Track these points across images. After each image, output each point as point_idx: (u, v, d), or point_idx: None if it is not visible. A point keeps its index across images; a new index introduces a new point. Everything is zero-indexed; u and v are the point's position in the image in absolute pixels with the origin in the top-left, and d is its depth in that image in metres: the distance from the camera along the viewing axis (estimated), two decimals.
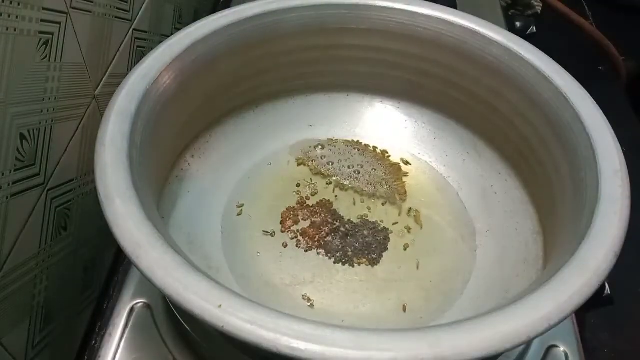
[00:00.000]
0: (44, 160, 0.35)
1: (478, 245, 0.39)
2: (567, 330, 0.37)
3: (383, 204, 0.42)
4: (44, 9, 0.32)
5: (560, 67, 0.37)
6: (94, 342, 0.37)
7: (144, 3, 0.47)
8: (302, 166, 0.44)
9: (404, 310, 0.36)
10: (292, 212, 0.41)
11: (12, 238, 0.32)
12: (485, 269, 0.38)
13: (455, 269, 0.38)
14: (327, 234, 0.39)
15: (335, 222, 0.40)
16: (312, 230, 0.40)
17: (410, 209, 0.42)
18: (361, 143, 0.46)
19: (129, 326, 0.36)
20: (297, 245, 0.39)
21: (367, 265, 0.38)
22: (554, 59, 0.37)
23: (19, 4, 0.30)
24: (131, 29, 0.45)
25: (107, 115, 0.31)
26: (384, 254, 0.39)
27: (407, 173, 0.44)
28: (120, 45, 0.44)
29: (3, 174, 0.30)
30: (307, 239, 0.39)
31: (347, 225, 0.40)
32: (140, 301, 0.38)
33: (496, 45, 0.39)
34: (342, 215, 0.41)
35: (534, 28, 0.65)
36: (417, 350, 0.22)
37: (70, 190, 0.39)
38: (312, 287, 0.37)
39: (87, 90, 0.39)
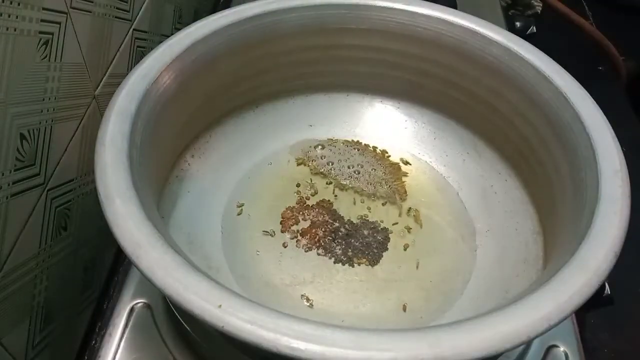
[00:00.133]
0: (44, 160, 0.35)
1: (478, 245, 0.39)
2: (567, 330, 0.37)
3: (383, 204, 0.42)
4: (44, 9, 0.32)
5: (560, 67, 0.37)
6: (94, 342, 0.37)
7: (144, 3, 0.47)
8: (302, 166, 0.44)
9: (404, 310, 0.36)
10: (292, 212, 0.41)
11: (12, 238, 0.32)
12: (485, 269, 0.38)
13: (455, 269, 0.38)
14: (327, 234, 0.39)
15: (335, 222, 0.40)
16: (312, 230, 0.40)
17: (410, 208, 0.42)
18: (361, 143, 0.46)
19: (129, 326, 0.36)
20: (297, 245, 0.39)
21: (367, 265, 0.38)
22: (554, 59, 0.37)
23: (19, 4, 0.30)
24: (131, 29, 0.45)
25: (107, 115, 0.31)
26: (384, 254, 0.39)
27: (407, 173, 0.44)
28: (120, 45, 0.44)
29: (3, 174, 0.30)
30: (307, 239, 0.39)
31: (347, 225, 0.40)
32: (140, 301, 0.38)
33: (496, 45, 0.39)
34: (342, 215, 0.41)
35: (534, 28, 0.65)
36: (417, 350, 0.22)
37: (70, 190, 0.39)
38: (312, 287, 0.37)
39: (87, 90, 0.39)
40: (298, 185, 0.43)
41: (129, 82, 0.33)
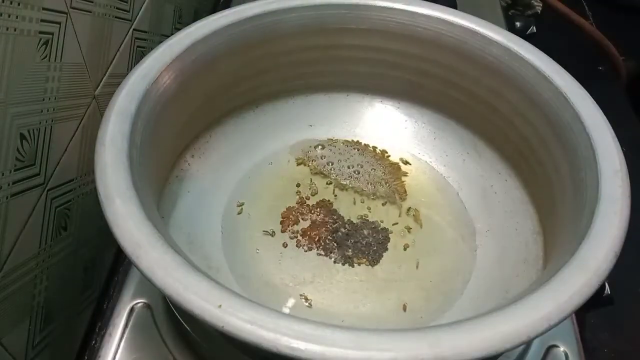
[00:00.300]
0: (44, 160, 0.35)
1: (478, 245, 0.39)
2: (567, 330, 0.37)
3: (383, 204, 0.42)
4: (44, 9, 0.32)
5: (560, 67, 0.37)
6: (94, 342, 0.37)
7: (144, 3, 0.47)
8: (302, 166, 0.44)
9: (404, 310, 0.36)
10: (292, 212, 0.41)
11: (12, 238, 0.32)
12: (485, 269, 0.38)
13: (455, 269, 0.38)
14: (327, 234, 0.39)
15: (335, 222, 0.40)
16: (312, 230, 0.40)
17: (410, 208, 0.42)
18: (361, 143, 0.46)
19: (129, 326, 0.36)
20: (297, 245, 0.39)
21: (367, 265, 0.38)
22: (554, 59, 0.37)
23: (19, 4, 0.30)
24: (131, 29, 0.45)
25: (107, 115, 0.31)
26: (384, 254, 0.39)
27: (407, 173, 0.44)
28: (120, 45, 0.44)
29: (3, 174, 0.30)
30: (307, 239, 0.39)
31: (347, 225, 0.40)
32: (140, 301, 0.38)
33: (496, 45, 0.39)
34: (342, 215, 0.41)
35: (534, 28, 0.65)
36: (417, 350, 0.22)
37: (70, 190, 0.39)
38: (312, 287, 0.37)
39: (87, 90, 0.39)
40: (298, 185, 0.43)
41: (129, 82, 0.33)
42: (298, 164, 0.44)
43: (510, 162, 0.42)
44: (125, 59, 0.45)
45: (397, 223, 0.41)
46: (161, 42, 0.36)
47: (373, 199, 0.42)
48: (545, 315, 0.24)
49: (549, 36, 0.67)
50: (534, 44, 0.38)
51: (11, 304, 0.33)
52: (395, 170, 0.44)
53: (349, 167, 0.44)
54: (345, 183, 0.43)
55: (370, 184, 0.43)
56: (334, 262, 0.38)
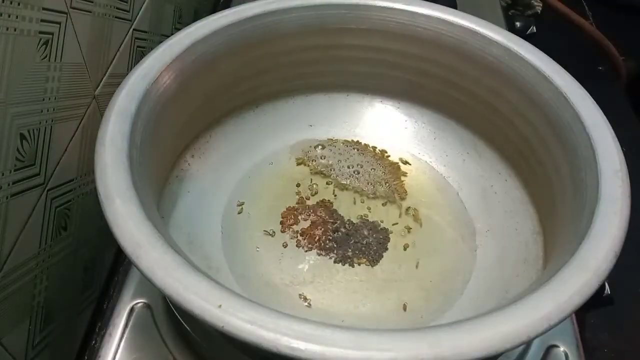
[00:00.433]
0: (44, 160, 0.35)
1: (478, 245, 0.39)
2: (567, 330, 0.37)
3: (383, 204, 0.42)
4: (44, 9, 0.32)
5: (560, 67, 0.37)
6: (94, 342, 0.37)
7: (144, 3, 0.47)
8: (302, 166, 0.44)
9: (404, 310, 0.36)
10: (292, 212, 0.41)
11: (12, 238, 0.32)
12: (485, 269, 0.38)
13: (455, 269, 0.38)
14: (327, 234, 0.39)
15: (335, 222, 0.40)
16: (312, 230, 0.40)
17: (409, 207, 0.42)
18: (361, 143, 0.46)
19: (129, 326, 0.36)
20: (297, 245, 0.39)
21: (367, 265, 0.38)
22: (554, 59, 0.37)
23: (19, 4, 0.30)
24: (131, 29, 0.45)
25: (107, 115, 0.31)
26: (384, 254, 0.39)
27: (406, 173, 0.44)
28: (120, 45, 0.44)
29: (3, 174, 0.30)
30: (307, 239, 0.39)
31: (347, 225, 0.40)
32: (140, 301, 0.38)
33: (496, 45, 0.39)
34: (342, 215, 0.41)
35: (534, 28, 0.65)
36: (417, 350, 0.22)
37: (70, 190, 0.39)
38: (312, 287, 0.37)
39: (87, 90, 0.39)
40: (298, 185, 0.43)
41: (129, 82, 0.33)
42: (298, 164, 0.44)
43: (510, 162, 0.42)
44: (125, 59, 0.45)
45: (397, 223, 0.41)
46: (161, 42, 0.36)
47: (373, 198, 0.42)
48: (545, 315, 0.24)
49: (549, 36, 0.67)
50: (534, 44, 0.38)
51: (11, 304, 0.33)
52: (395, 170, 0.44)
53: (348, 167, 0.44)
54: (345, 183, 0.43)
55: (370, 183, 0.43)
56: (334, 262, 0.38)
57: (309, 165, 0.44)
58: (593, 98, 0.35)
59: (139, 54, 0.47)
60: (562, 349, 0.37)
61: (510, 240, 0.38)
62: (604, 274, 0.26)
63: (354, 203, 0.42)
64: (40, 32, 0.32)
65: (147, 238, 0.26)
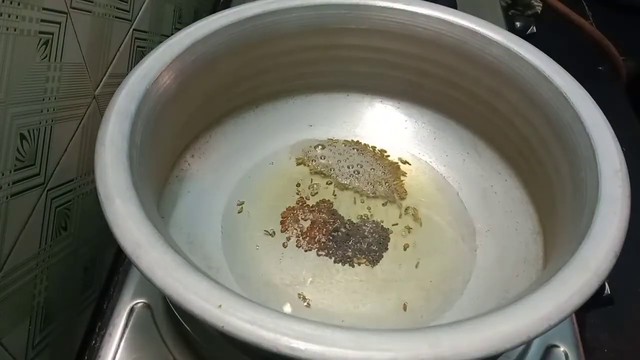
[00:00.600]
0: (44, 160, 0.35)
1: (478, 245, 0.39)
2: (567, 330, 0.37)
3: (383, 204, 0.42)
4: (44, 9, 0.32)
5: (560, 67, 0.37)
6: (94, 342, 0.37)
7: (144, 3, 0.47)
8: (302, 166, 0.44)
9: (404, 310, 0.36)
10: (292, 212, 0.41)
11: (12, 238, 0.32)
12: (485, 269, 0.38)
13: (455, 269, 0.38)
14: (327, 234, 0.39)
15: (335, 222, 0.40)
16: (312, 230, 0.40)
17: (409, 207, 0.42)
18: (361, 143, 0.46)
19: (129, 326, 0.36)
20: (297, 245, 0.39)
21: (367, 265, 0.38)
22: (554, 59, 0.37)
23: (19, 4, 0.30)
24: (131, 29, 0.45)
25: (107, 115, 0.31)
26: (384, 254, 0.39)
27: (406, 172, 0.44)
28: (120, 45, 0.44)
29: (3, 174, 0.30)
30: (307, 239, 0.39)
31: (347, 225, 0.40)
32: (140, 301, 0.38)
33: (496, 45, 0.39)
34: (342, 215, 0.41)
35: (534, 28, 0.65)
36: (417, 350, 0.22)
37: (70, 190, 0.39)
38: (312, 287, 0.37)
39: (87, 90, 0.39)
40: (298, 185, 0.43)
41: (129, 82, 0.33)
42: (298, 164, 0.44)
43: (510, 162, 0.42)
44: (125, 59, 0.45)
45: (397, 224, 0.41)
46: (161, 42, 0.36)
47: (373, 198, 0.42)
48: (545, 315, 0.24)
49: (549, 36, 0.67)
50: (534, 44, 0.38)
51: (11, 304, 0.33)
52: (394, 170, 0.44)
53: (348, 167, 0.44)
54: (345, 183, 0.43)
55: (370, 183, 0.43)
56: (334, 262, 0.38)
57: (309, 165, 0.44)
58: (593, 98, 0.35)
59: (139, 54, 0.47)
60: (562, 349, 0.37)
61: (510, 240, 0.38)
62: (604, 274, 0.26)
63: (354, 203, 0.42)
64: (40, 32, 0.32)
65: (147, 238, 0.26)
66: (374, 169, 0.44)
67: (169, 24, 0.54)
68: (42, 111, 0.34)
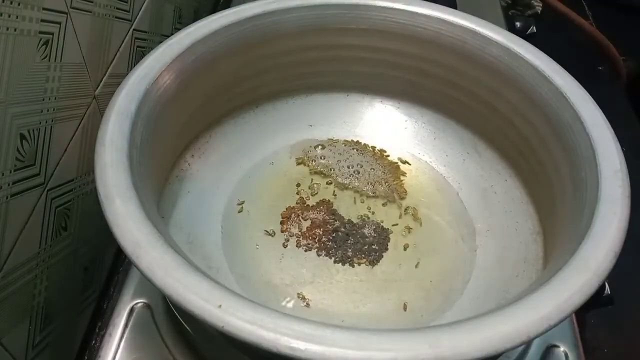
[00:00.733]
0: (44, 160, 0.35)
1: (478, 245, 0.39)
2: (567, 330, 0.37)
3: (383, 204, 0.42)
4: (44, 9, 0.32)
5: (560, 67, 0.37)
6: (94, 342, 0.37)
7: (144, 3, 0.47)
8: (302, 166, 0.44)
9: (404, 310, 0.36)
10: (292, 212, 0.41)
11: (12, 238, 0.32)
12: (485, 269, 0.38)
13: (455, 269, 0.38)
14: (327, 234, 0.39)
15: (335, 222, 0.40)
16: (312, 230, 0.40)
17: (409, 207, 0.42)
18: (361, 143, 0.46)
19: (129, 326, 0.36)
20: (297, 245, 0.39)
21: (367, 265, 0.38)
22: (554, 59, 0.37)
23: (19, 4, 0.30)
24: (131, 29, 0.45)
25: (107, 115, 0.31)
26: (384, 254, 0.39)
27: (405, 172, 0.44)
28: (120, 45, 0.44)
29: (3, 174, 0.30)
30: (307, 239, 0.39)
31: (347, 225, 0.40)
32: (140, 301, 0.38)
33: (496, 45, 0.39)
34: (342, 215, 0.41)
35: (534, 28, 0.65)
36: (417, 350, 0.22)
37: (70, 190, 0.39)
38: (312, 287, 0.37)
39: (87, 90, 0.39)
40: (298, 185, 0.43)
41: (129, 82, 0.33)
42: (298, 164, 0.44)
43: (510, 162, 0.42)
44: (125, 59, 0.45)
45: (397, 224, 0.41)
46: (161, 42, 0.36)
47: (373, 198, 0.42)
48: (545, 315, 0.24)
49: (549, 36, 0.67)
50: (534, 44, 0.38)
51: (11, 304, 0.33)
52: (394, 170, 0.44)
53: (348, 167, 0.44)
54: (345, 183, 0.43)
55: (370, 183, 0.43)
56: (334, 262, 0.38)
57: (309, 165, 0.44)
58: (593, 98, 0.35)
59: (139, 54, 0.47)
60: (562, 348, 0.37)
61: (510, 240, 0.38)
62: (604, 274, 0.26)
63: (354, 203, 0.42)
64: (41, 32, 0.32)
65: (147, 238, 0.26)
66: (373, 169, 0.44)
67: (169, 24, 0.54)
68: (42, 111, 0.34)
